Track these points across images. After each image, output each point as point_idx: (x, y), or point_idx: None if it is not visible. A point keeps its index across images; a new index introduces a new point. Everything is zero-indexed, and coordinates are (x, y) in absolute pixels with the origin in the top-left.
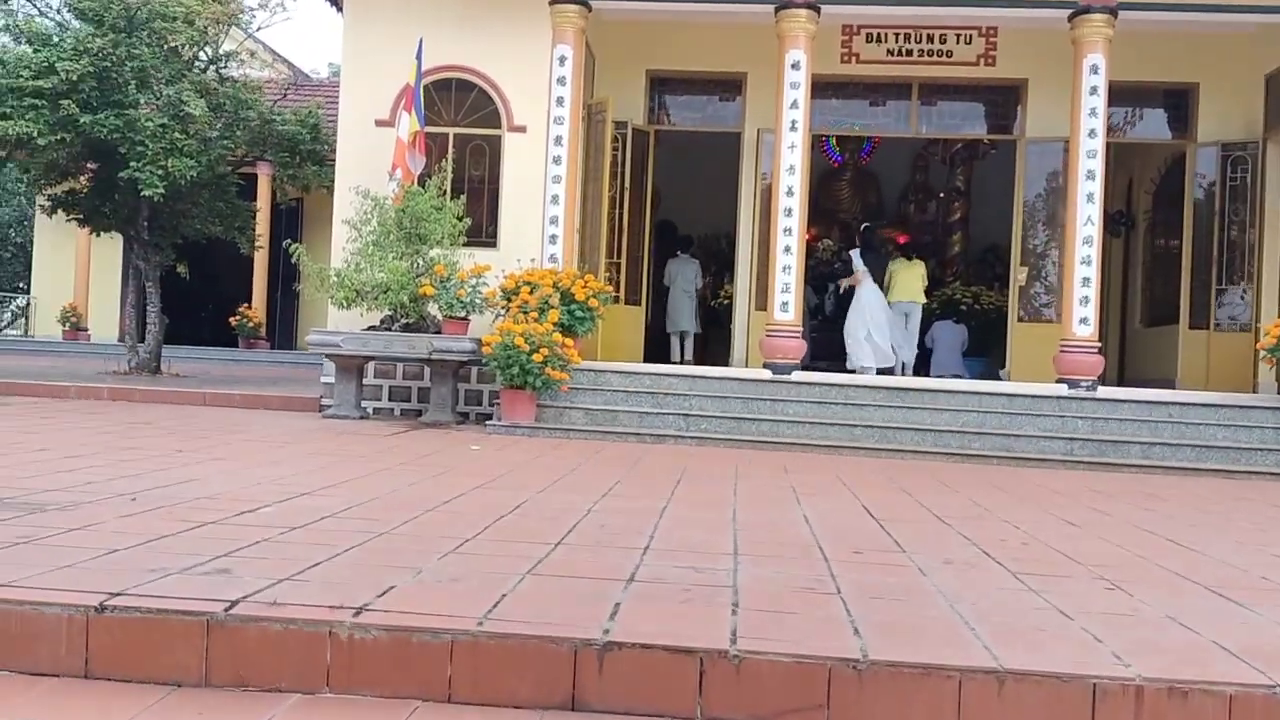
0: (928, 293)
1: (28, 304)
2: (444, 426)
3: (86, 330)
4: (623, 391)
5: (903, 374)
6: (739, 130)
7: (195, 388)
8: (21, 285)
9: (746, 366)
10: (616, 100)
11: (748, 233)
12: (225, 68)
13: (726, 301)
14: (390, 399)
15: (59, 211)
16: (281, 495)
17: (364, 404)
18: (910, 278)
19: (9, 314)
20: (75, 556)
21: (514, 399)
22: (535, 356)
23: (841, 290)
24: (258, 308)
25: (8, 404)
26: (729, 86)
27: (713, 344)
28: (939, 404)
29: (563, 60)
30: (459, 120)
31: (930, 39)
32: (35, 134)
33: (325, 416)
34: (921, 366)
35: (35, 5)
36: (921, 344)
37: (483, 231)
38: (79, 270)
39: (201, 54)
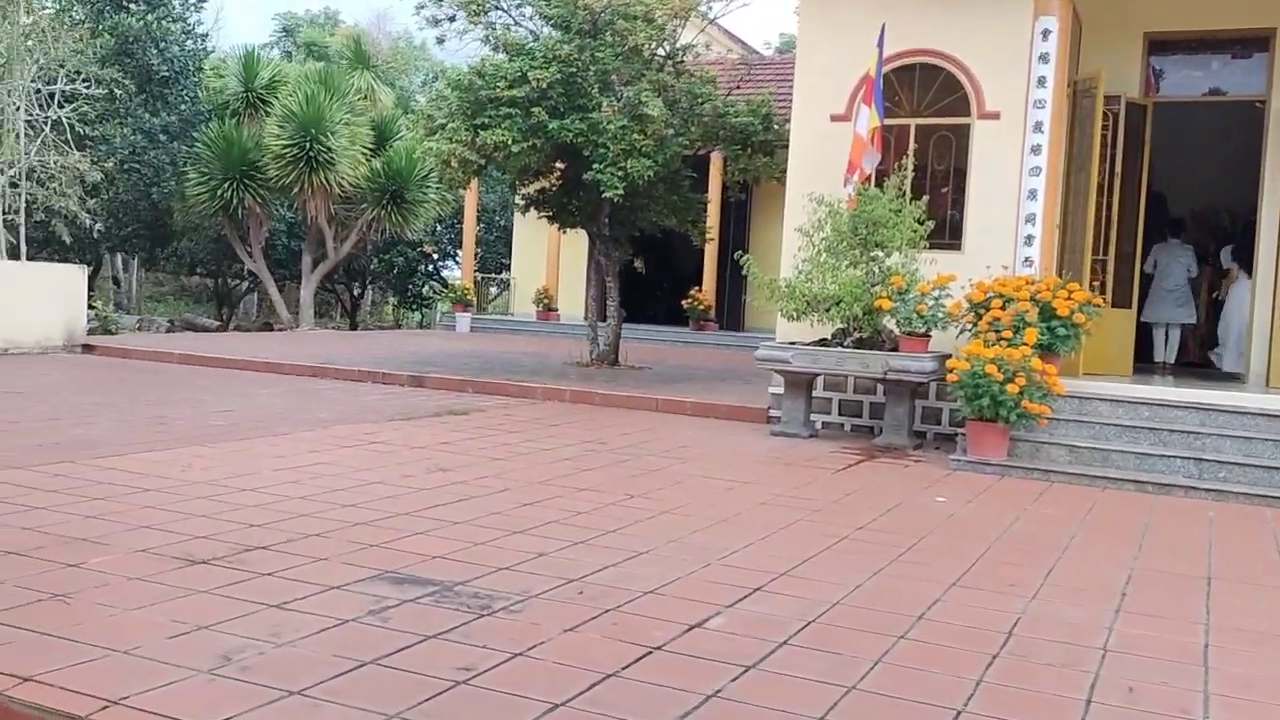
0: None
1: (509, 283)
2: (899, 452)
3: (556, 311)
4: (1114, 425)
5: None
6: (1262, 97)
7: (648, 389)
8: (505, 263)
9: (1267, 387)
10: (1107, 72)
11: (1272, 223)
12: (681, 61)
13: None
14: (840, 413)
15: (531, 209)
16: (731, 591)
17: (813, 417)
18: None
19: (495, 288)
20: None
21: (982, 432)
22: (1009, 387)
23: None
24: (708, 290)
25: (484, 408)
26: (1249, 45)
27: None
28: None
29: (1046, 34)
30: (921, 110)
31: None
32: (509, 141)
33: (774, 433)
34: None
35: (510, 15)
36: None
37: (945, 233)
38: (550, 256)
39: (659, 50)
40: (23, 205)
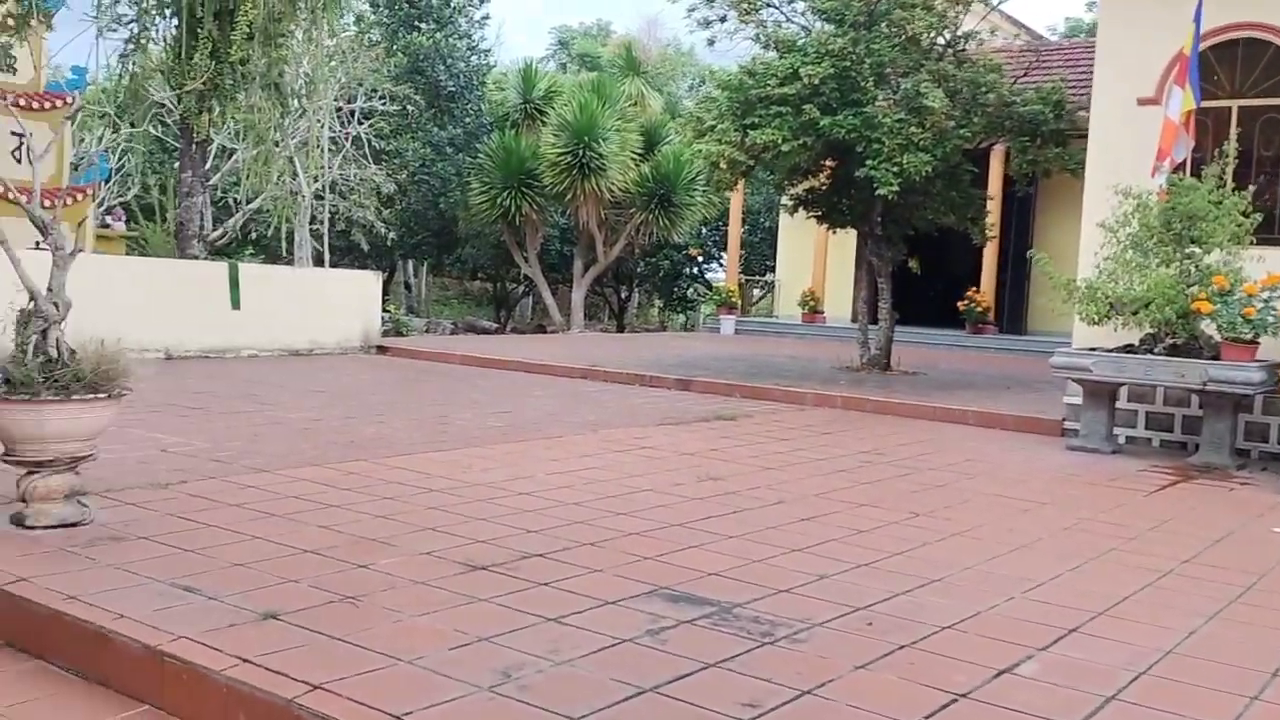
0: None
1: (773, 284)
2: (1221, 473)
3: (823, 313)
4: None
5: None
6: None
7: (924, 396)
8: (769, 264)
9: None
10: None
11: None
12: (963, 50)
13: None
14: (1146, 427)
15: (800, 209)
16: (1042, 631)
17: (1115, 431)
18: None
19: (758, 290)
20: None
21: None
22: None
23: None
24: (986, 291)
25: (752, 413)
26: None
27: None
28: None
29: None
30: (1244, 90)
31: None
32: (779, 140)
33: (1070, 447)
34: None
35: (781, 12)
36: None
37: (1275, 227)
38: (816, 257)
39: (939, 39)
40: (326, 216)
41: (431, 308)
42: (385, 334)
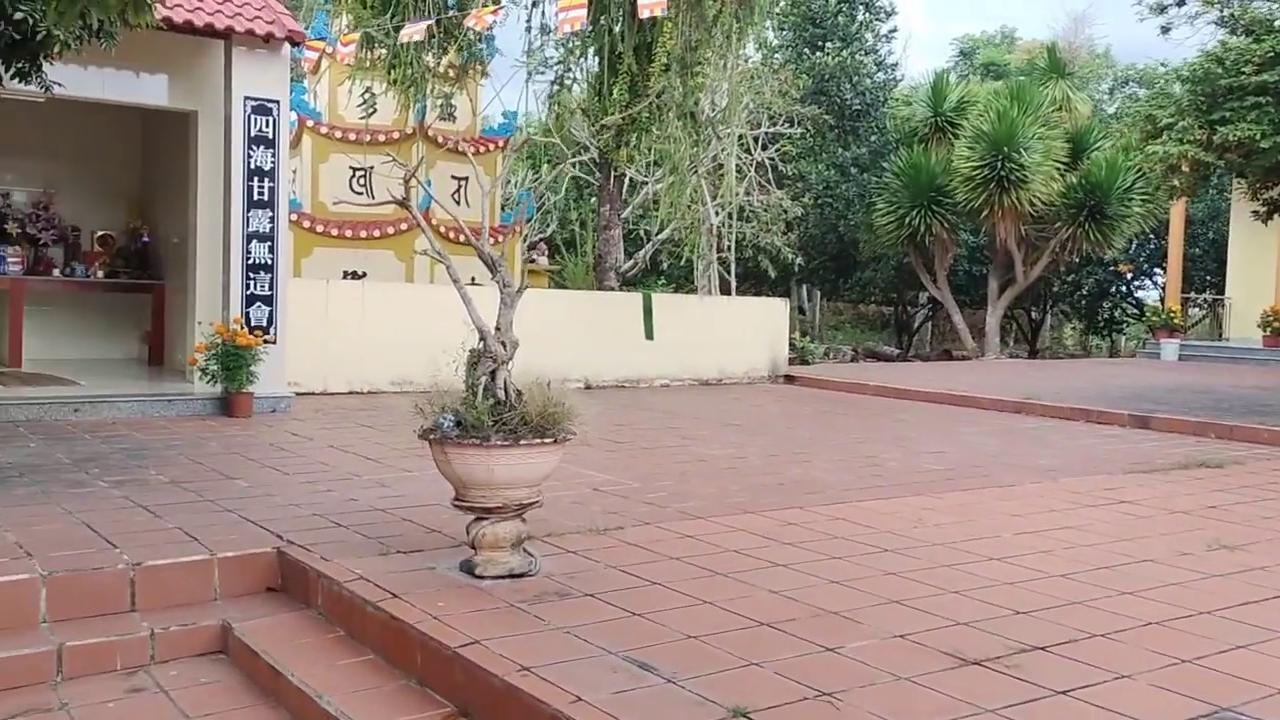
0: None
1: (1216, 302)
2: None
3: None
4: None
5: None
6: None
7: None
8: (1210, 281)
9: None
10: None
11: None
12: None
13: None
14: None
15: (1275, 215)
16: None
17: None
18: None
19: (1196, 309)
20: None
21: None
22: None
23: None
24: None
25: (1241, 459)
26: None
27: None
28: None
29: None
30: None
31: None
32: (1258, 136)
33: None
34: None
35: None
36: None
37: None
38: (1279, 271)
39: None
40: (732, 243)
41: (826, 333)
42: (790, 362)
